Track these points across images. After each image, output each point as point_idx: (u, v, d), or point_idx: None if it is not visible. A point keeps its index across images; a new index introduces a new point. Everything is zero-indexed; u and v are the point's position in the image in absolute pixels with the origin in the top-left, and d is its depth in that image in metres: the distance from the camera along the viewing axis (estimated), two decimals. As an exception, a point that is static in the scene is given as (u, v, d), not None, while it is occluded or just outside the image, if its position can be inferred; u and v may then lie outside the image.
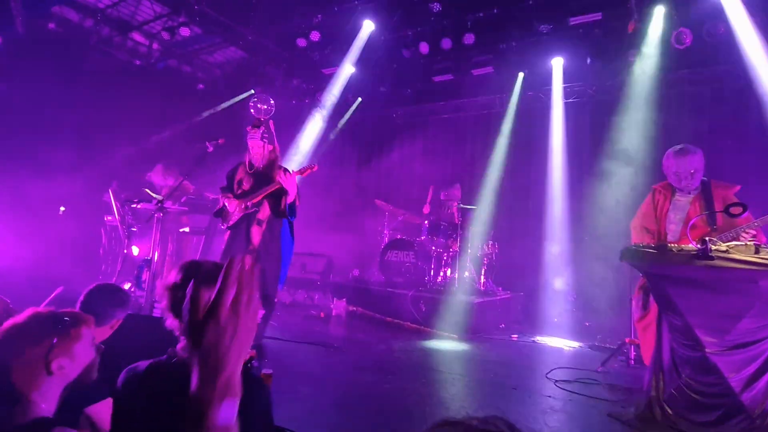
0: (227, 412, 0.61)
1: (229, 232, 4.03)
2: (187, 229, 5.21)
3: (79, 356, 1.47)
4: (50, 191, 5.88)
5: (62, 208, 6.14)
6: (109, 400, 1.77)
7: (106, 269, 5.14)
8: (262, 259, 3.90)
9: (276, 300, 4.23)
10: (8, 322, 1.34)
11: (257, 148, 3.97)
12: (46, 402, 1.32)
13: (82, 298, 2.00)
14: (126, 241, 4.47)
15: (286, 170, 3.97)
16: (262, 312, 4.00)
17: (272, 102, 4.17)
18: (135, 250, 5.12)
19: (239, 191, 4.04)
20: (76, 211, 6.03)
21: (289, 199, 3.85)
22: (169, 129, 7.35)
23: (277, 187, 3.85)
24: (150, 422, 1.31)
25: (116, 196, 4.83)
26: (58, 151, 6.23)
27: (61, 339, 1.39)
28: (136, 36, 7.40)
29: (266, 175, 3.99)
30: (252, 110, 4.09)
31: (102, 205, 5.40)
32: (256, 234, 3.92)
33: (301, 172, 3.92)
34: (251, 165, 4.04)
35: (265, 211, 3.96)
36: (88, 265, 5.29)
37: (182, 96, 7.79)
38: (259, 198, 3.92)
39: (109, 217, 5.18)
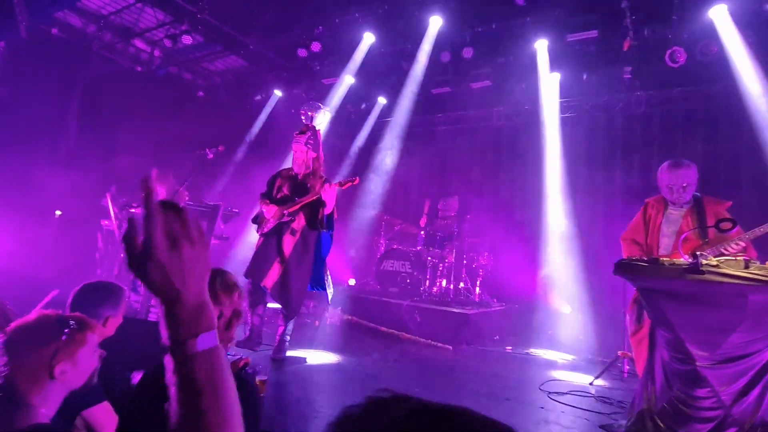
0: (205, 343, 0.60)
1: (262, 238, 3.96)
2: (183, 235, 5.20)
3: (82, 362, 1.47)
4: (48, 195, 5.89)
5: (58, 212, 6.14)
6: (106, 404, 1.78)
7: (102, 273, 5.12)
8: (292, 270, 3.83)
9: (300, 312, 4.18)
10: (15, 323, 1.35)
11: (300, 153, 3.93)
12: (45, 407, 1.31)
13: (70, 299, 1.99)
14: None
15: (327, 181, 3.89)
16: (282, 328, 3.97)
17: (322, 108, 4.20)
18: (130, 256, 5.10)
19: (279, 196, 3.99)
20: (74, 215, 6.03)
21: (327, 210, 3.75)
22: (169, 135, 7.38)
23: (315, 197, 3.77)
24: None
25: (114, 201, 4.83)
26: (57, 155, 6.25)
27: (67, 343, 1.40)
28: (138, 43, 7.47)
29: (306, 183, 3.93)
30: (302, 117, 4.14)
31: (100, 209, 5.40)
32: (289, 243, 3.86)
33: (341, 184, 3.81)
34: (292, 172, 4.00)
35: (300, 221, 3.89)
36: (84, 269, 5.28)
37: (182, 103, 7.85)
38: (296, 207, 3.85)
39: (106, 222, 5.18)
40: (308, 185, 3.91)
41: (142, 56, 7.67)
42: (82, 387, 1.55)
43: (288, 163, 4.08)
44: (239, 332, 4.32)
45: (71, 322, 1.47)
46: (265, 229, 3.93)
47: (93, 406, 1.74)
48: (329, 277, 4.23)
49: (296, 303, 3.92)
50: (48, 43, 6.31)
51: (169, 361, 0.60)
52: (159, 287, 0.59)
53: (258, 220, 4.07)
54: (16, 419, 1.23)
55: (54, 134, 6.49)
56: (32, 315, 1.38)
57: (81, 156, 6.42)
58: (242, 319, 1.52)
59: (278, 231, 3.89)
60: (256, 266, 3.88)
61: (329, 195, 3.69)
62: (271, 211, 3.93)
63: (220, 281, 1.46)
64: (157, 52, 7.64)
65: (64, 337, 1.42)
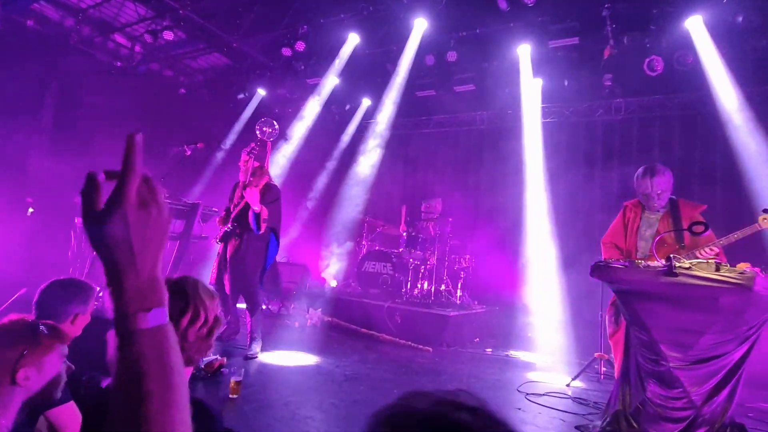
0: (156, 319, 0.56)
1: (220, 245, 4.27)
2: (161, 234, 5.09)
3: (46, 369, 1.42)
4: (20, 191, 5.70)
5: (30, 210, 5.94)
6: (71, 404, 1.71)
7: (74, 272, 4.97)
8: (238, 271, 4.08)
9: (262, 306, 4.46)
10: None
11: (242, 163, 4.21)
12: (5, 417, 1.26)
13: (37, 295, 1.92)
14: (96, 243, 4.34)
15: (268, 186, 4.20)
16: (248, 325, 4.18)
17: (276, 126, 4.42)
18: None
19: (232, 207, 4.32)
20: (47, 212, 5.84)
21: (254, 211, 3.97)
22: (148, 132, 7.24)
23: (245, 202, 4.05)
24: None
25: (88, 198, 4.70)
26: (29, 150, 6.07)
27: (33, 348, 1.35)
28: (118, 38, 7.31)
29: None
30: (258, 132, 4.34)
31: (74, 207, 5.25)
32: (231, 248, 4.17)
33: (250, 182, 4.06)
34: (240, 183, 4.30)
35: (243, 225, 4.17)
36: (56, 268, 5.12)
37: (163, 100, 7.70)
38: (236, 213, 4.15)
39: (80, 219, 5.03)
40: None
41: (122, 51, 7.51)
42: (46, 396, 1.49)
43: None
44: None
45: (41, 328, 1.42)
46: (218, 237, 4.26)
47: (57, 407, 1.68)
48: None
49: (253, 300, 4.14)
50: (23, 36, 6.12)
51: (113, 337, 0.55)
52: (117, 249, 0.54)
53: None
54: None
55: (28, 129, 6.30)
56: (5, 318, 1.33)
57: (56, 152, 6.24)
58: (221, 327, 1.48)
59: (226, 238, 4.19)
60: (216, 273, 4.20)
61: (249, 196, 3.94)
62: (220, 221, 4.32)
63: (202, 286, 1.42)
64: (137, 48, 7.48)
65: (31, 342, 1.37)
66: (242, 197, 4.21)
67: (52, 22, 6.62)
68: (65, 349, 1.46)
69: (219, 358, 3.46)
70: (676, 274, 2.48)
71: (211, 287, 1.43)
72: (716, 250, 2.84)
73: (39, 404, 1.60)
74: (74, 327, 1.96)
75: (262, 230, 4.01)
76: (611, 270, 2.78)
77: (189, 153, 3.81)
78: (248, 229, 4.10)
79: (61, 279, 2.05)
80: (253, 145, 4.18)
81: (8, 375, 1.29)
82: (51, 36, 6.55)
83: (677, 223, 3.10)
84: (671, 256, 2.53)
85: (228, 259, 4.12)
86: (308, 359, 4.18)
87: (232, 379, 2.95)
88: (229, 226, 4.16)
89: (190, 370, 1.41)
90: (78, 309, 1.98)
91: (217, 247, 4.33)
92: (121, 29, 7.04)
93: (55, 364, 1.44)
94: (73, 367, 1.52)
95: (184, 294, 1.29)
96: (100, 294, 4.65)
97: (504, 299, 6.35)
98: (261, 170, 4.26)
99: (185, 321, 1.25)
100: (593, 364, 4.21)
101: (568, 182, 6.38)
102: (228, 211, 4.31)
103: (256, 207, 3.93)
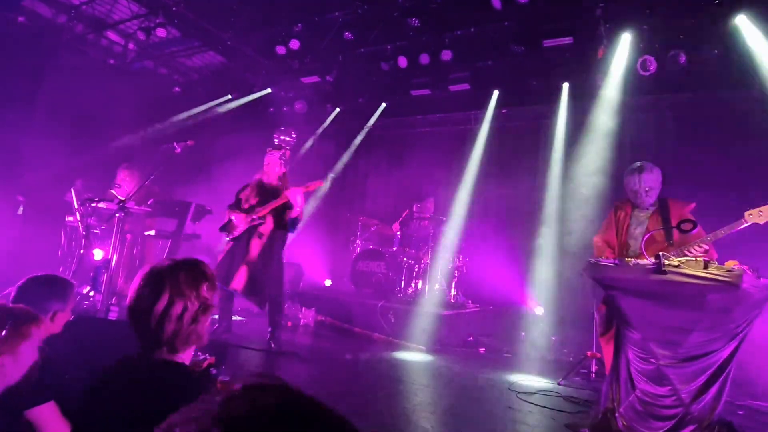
0: None
1: (231, 243, 4.25)
2: (152, 232, 5.07)
3: (23, 356, 1.39)
4: (10, 190, 5.65)
5: (21, 209, 5.89)
6: (52, 404, 1.69)
7: (64, 271, 4.92)
8: (259, 271, 4.06)
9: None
10: None
11: (273, 165, 4.24)
12: None
13: (14, 292, 1.88)
14: (84, 241, 4.32)
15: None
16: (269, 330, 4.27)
17: (294, 135, 4.59)
18: (98, 254, 4.91)
19: (246, 206, 4.27)
20: (38, 211, 5.80)
21: (293, 213, 4.02)
22: (142, 130, 7.21)
23: (283, 201, 4.05)
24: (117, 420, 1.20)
25: (79, 196, 4.67)
26: (20, 148, 6.02)
27: (9, 335, 1.33)
28: (112, 35, 7.27)
29: (273, 191, 4.21)
30: (276, 140, 4.46)
31: (65, 206, 5.21)
32: (256, 246, 4.12)
33: (307, 186, 4.14)
34: (261, 182, 4.29)
35: (268, 225, 4.13)
36: (46, 268, 5.07)
37: (157, 98, 7.66)
38: (265, 211, 4.12)
39: (70, 218, 5.00)
40: (275, 193, 4.21)
41: (115, 49, 7.46)
42: (23, 384, 1.47)
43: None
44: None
45: (15, 314, 1.40)
46: (234, 234, 4.18)
47: (37, 406, 1.65)
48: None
49: (280, 299, 4.24)
50: (14, 32, 6.07)
51: None
52: None
53: (228, 227, 4.31)
54: None
55: (20, 127, 6.25)
56: None
57: (48, 150, 6.19)
58: (211, 313, 1.43)
59: (246, 235, 4.14)
60: (223, 270, 4.09)
61: (295, 197, 3.98)
62: (240, 218, 4.21)
63: (185, 274, 1.35)
64: (131, 46, 7.44)
65: (6, 329, 1.35)
66: (260, 194, 4.16)
67: (44, 19, 6.58)
68: (40, 340, 1.44)
69: (208, 357, 3.43)
70: (664, 272, 2.48)
71: (202, 270, 1.38)
72: (705, 247, 2.84)
73: (20, 402, 1.58)
74: (53, 324, 1.93)
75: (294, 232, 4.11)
76: (601, 268, 2.79)
77: (179, 150, 3.78)
78: (280, 228, 4.11)
79: (39, 275, 2.02)
80: (283, 151, 4.27)
81: None
82: (43, 33, 6.50)
83: (666, 221, 3.11)
84: (660, 253, 2.53)
85: (246, 258, 4.07)
86: (301, 359, 4.16)
87: (219, 380, 2.92)
88: (255, 220, 4.11)
89: (192, 351, 1.38)
90: (57, 306, 1.95)
91: (224, 245, 4.31)
92: (114, 26, 7.00)
93: (31, 351, 1.41)
94: (46, 348, 1.49)
95: (159, 281, 1.25)
96: (91, 294, 4.65)
97: (498, 298, 6.34)
98: (285, 177, 4.32)
99: (159, 308, 1.23)
100: (584, 362, 4.21)
101: (562, 182, 6.38)
102: (245, 211, 4.21)
103: (299, 209, 3.99)
